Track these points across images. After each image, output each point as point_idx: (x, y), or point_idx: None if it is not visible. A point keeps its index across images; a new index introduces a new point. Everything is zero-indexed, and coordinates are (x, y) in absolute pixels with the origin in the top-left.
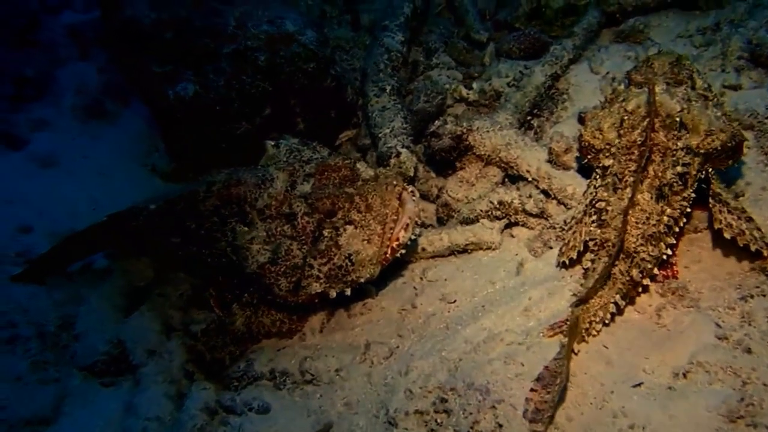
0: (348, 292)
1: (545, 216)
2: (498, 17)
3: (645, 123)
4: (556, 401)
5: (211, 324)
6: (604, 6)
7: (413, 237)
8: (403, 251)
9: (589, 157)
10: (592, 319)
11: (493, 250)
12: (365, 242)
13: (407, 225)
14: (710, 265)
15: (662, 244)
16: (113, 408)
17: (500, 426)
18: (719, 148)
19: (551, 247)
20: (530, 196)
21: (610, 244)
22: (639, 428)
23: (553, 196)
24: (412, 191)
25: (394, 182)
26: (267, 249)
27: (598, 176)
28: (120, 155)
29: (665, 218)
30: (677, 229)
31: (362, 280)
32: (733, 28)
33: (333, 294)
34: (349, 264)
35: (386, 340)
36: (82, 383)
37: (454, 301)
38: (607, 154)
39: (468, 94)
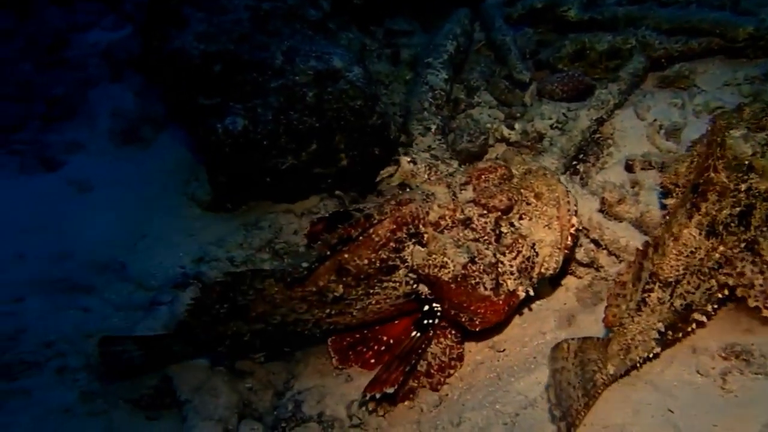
0: (532, 291)
1: (596, 266)
2: (540, 57)
3: (706, 162)
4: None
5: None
6: (650, 51)
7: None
8: (576, 241)
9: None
10: (630, 343)
11: (541, 298)
12: (546, 228)
13: (575, 211)
14: None
15: (713, 280)
16: None
17: None
18: None
19: (602, 299)
20: (581, 245)
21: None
22: None
23: (604, 246)
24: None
25: (550, 172)
26: (461, 251)
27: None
28: (157, 183)
29: (716, 255)
30: None
31: (549, 272)
32: None
33: (522, 294)
34: (534, 255)
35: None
36: (130, 416)
37: (504, 350)
38: (673, 193)
39: (510, 134)
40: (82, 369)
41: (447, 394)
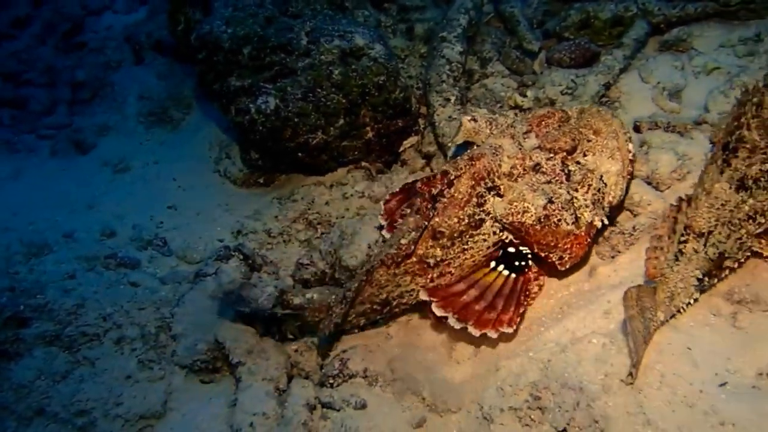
0: (606, 220)
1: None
2: (547, 27)
3: (737, 122)
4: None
5: None
6: (650, 17)
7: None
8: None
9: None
10: (673, 290)
11: None
12: (610, 159)
13: (629, 137)
14: None
15: (743, 230)
16: (217, 404)
17: (596, 422)
18: None
19: (620, 252)
20: None
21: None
22: (729, 425)
23: None
24: None
25: (603, 109)
26: (538, 194)
27: None
28: (190, 161)
29: (746, 208)
30: None
31: (615, 201)
32: None
33: (599, 224)
34: (603, 186)
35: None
36: (185, 381)
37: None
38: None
39: (523, 101)
40: (139, 339)
41: (482, 346)
